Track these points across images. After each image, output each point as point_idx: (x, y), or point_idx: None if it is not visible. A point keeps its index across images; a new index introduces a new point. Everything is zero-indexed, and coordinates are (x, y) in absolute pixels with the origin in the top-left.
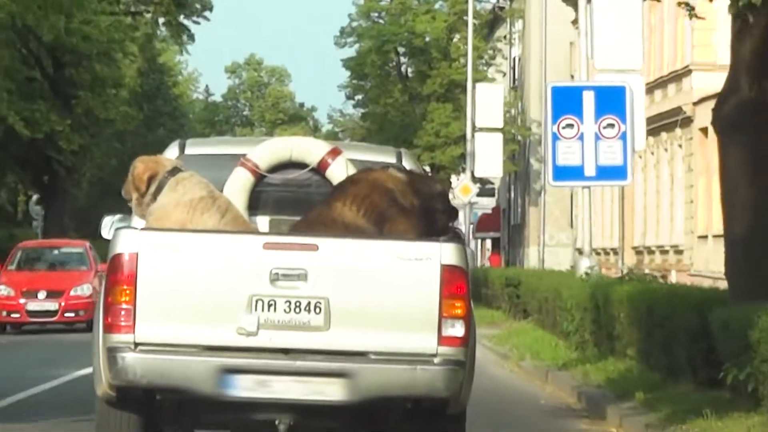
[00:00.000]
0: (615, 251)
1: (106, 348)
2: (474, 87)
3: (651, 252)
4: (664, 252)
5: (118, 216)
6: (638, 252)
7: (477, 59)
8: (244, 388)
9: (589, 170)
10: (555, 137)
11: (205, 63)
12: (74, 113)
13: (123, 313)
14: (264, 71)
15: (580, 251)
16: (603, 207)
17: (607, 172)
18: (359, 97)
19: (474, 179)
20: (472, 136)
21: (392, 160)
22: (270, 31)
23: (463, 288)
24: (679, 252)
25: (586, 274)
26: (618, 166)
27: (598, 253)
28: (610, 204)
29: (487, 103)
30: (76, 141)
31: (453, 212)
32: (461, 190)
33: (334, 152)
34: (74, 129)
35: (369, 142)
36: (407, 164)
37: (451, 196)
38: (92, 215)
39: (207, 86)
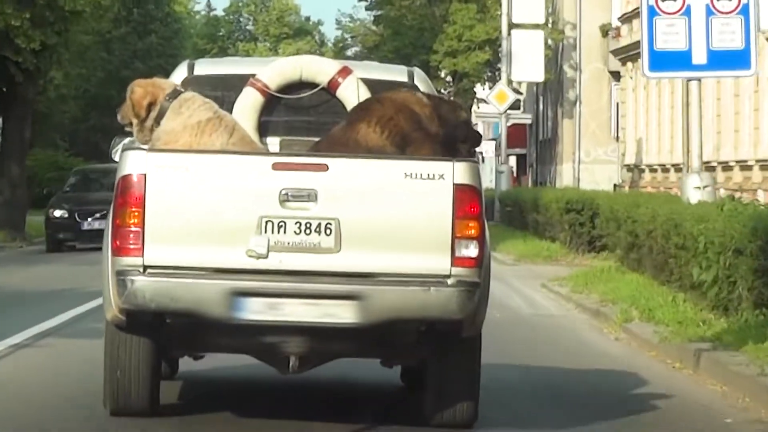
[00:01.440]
0: (676, 168)
1: (115, 271)
2: None
3: (728, 168)
4: (746, 168)
5: (128, 138)
6: (707, 168)
7: None
8: (254, 311)
9: (699, 57)
10: (652, 12)
11: None
12: (35, 4)
13: (131, 235)
14: None
15: (683, 168)
16: (659, 115)
17: (722, 59)
18: None
19: (510, 84)
20: (509, 33)
21: (404, 79)
22: None
23: (477, 208)
24: (767, 167)
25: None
26: (737, 50)
27: (653, 170)
28: (670, 111)
29: None
30: (38, 38)
31: (476, 140)
32: (497, 97)
33: (345, 71)
34: (35, 24)
35: (382, 49)
36: (419, 83)
37: (480, 109)
38: (82, 132)
39: (209, 2)
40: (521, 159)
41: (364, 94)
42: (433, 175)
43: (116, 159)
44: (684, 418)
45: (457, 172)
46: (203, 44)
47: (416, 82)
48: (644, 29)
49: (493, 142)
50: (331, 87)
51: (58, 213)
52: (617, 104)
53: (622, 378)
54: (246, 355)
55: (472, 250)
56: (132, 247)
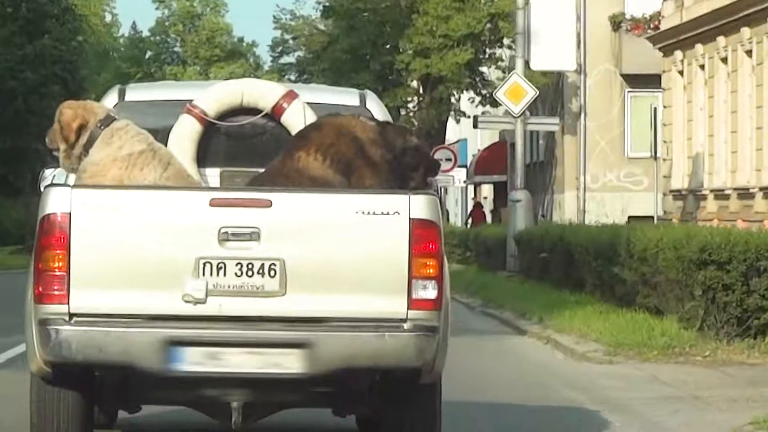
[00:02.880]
0: (721, 193)
1: (38, 320)
2: None
3: None
4: None
5: (59, 169)
6: (745, 195)
7: None
8: (192, 361)
9: None
10: None
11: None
12: None
13: (55, 280)
14: (197, 1)
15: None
16: (734, 121)
17: None
18: None
19: (527, 72)
20: (526, 2)
21: (355, 102)
22: None
23: (436, 245)
24: None
25: None
26: None
27: (721, 196)
28: (756, 114)
29: None
30: None
31: (431, 167)
32: (510, 93)
33: (290, 96)
34: None
35: (334, 49)
36: (372, 107)
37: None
38: None
39: (134, 23)
40: (500, 188)
41: (311, 119)
42: (388, 210)
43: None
44: None
45: (414, 206)
46: (127, 68)
47: (368, 105)
48: None
49: (464, 169)
50: (276, 113)
51: None
52: (654, 110)
53: None
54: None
55: (430, 291)
56: (56, 293)
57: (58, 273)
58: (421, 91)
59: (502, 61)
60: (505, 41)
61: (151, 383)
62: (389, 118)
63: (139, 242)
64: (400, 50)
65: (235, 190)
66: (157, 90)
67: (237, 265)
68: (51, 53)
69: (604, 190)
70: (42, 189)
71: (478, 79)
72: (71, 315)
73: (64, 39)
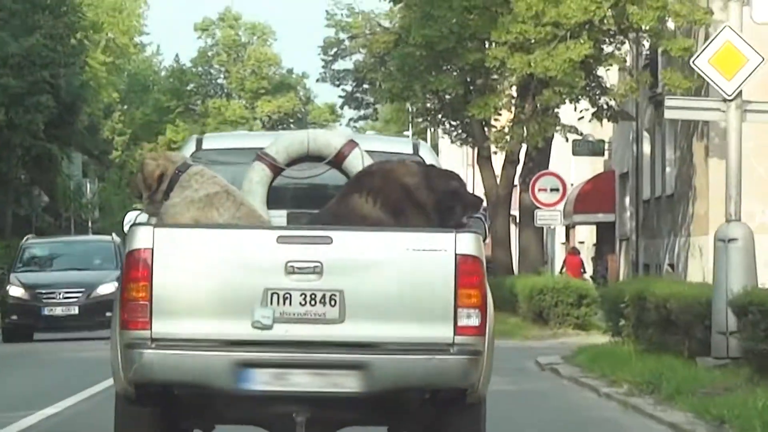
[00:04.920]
0: None
1: (124, 344)
2: None
3: None
4: None
5: (138, 212)
6: None
7: None
8: (261, 381)
9: None
10: None
11: (172, 23)
12: None
13: (139, 309)
14: (243, 29)
15: None
16: None
17: None
18: None
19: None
20: None
21: (408, 151)
22: None
23: (479, 278)
24: None
25: None
26: None
27: None
28: None
29: None
30: None
31: (473, 205)
32: (718, 61)
33: (351, 144)
34: None
35: (405, 45)
36: (424, 155)
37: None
38: None
39: (177, 55)
40: (605, 230)
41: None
42: (436, 246)
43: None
44: None
45: (459, 243)
46: (166, 101)
47: (421, 153)
48: None
49: (558, 209)
50: (338, 160)
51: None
52: None
53: None
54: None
55: (474, 319)
56: (140, 320)
57: (141, 302)
58: (517, 98)
59: (625, 61)
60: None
61: (224, 402)
62: (438, 162)
63: (214, 275)
64: (493, 44)
65: (299, 228)
66: (230, 139)
67: (301, 295)
68: (41, 54)
69: (762, 231)
70: (126, 230)
71: (593, 84)
72: (153, 339)
73: (60, 36)
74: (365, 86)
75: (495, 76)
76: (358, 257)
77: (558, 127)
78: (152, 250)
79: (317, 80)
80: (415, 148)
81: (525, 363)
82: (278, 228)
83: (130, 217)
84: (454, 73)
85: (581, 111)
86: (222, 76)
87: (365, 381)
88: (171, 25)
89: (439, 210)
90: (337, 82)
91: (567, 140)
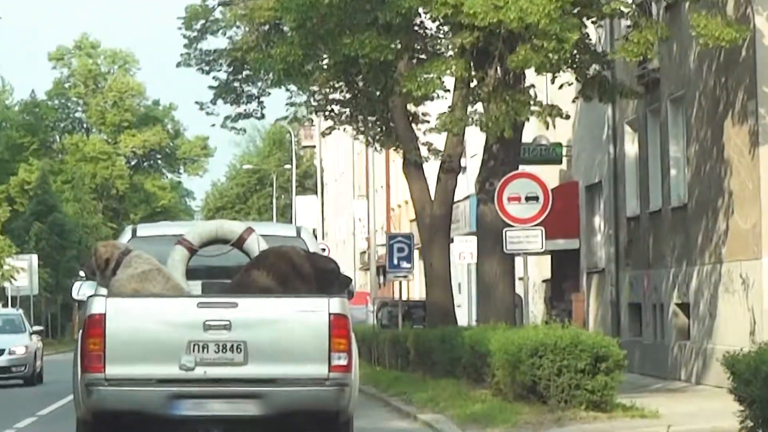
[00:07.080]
0: None
1: (84, 383)
2: None
3: None
4: None
5: (84, 282)
6: None
7: None
8: (186, 408)
9: None
10: None
11: (22, 54)
12: None
13: (96, 357)
14: (102, 57)
15: None
16: None
17: None
18: None
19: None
20: None
21: (292, 234)
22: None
23: (346, 330)
24: None
25: None
26: None
27: None
28: None
29: None
30: None
31: (344, 283)
32: None
33: (249, 231)
34: None
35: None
36: (305, 237)
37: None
38: None
39: (33, 90)
40: (564, 260)
41: (263, 245)
42: (315, 308)
43: (76, 297)
44: None
45: (332, 305)
46: (20, 137)
47: (302, 236)
48: None
49: (472, 238)
50: (239, 243)
51: None
52: None
53: None
54: None
55: (343, 360)
56: (97, 365)
57: (97, 352)
58: (474, 65)
59: (623, 16)
60: None
61: (161, 424)
62: (316, 245)
63: (151, 331)
64: None
65: (214, 296)
66: (158, 228)
67: (215, 345)
68: None
69: None
70: (73, 294)
71: (581, 45)
72: (107, 379)
73: None
74: (246, 73)
75: (440, 36)
76: (258, 316)
77: (535, 107)
78: (105, 314)
79: (177, 65)
80: (298, 231)
81: None
82: (198, 296)
83: (77, 285)
84: (379, 29)
85: (561, 86)
86: (80, 109)
87: (264, 407)
88: (23, 57)
89: (320, 281)
90: (207, 68)
91: (548, 127)
